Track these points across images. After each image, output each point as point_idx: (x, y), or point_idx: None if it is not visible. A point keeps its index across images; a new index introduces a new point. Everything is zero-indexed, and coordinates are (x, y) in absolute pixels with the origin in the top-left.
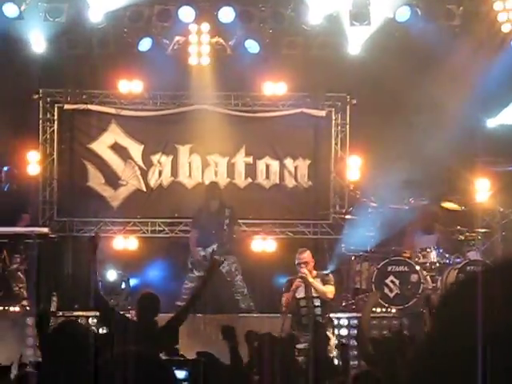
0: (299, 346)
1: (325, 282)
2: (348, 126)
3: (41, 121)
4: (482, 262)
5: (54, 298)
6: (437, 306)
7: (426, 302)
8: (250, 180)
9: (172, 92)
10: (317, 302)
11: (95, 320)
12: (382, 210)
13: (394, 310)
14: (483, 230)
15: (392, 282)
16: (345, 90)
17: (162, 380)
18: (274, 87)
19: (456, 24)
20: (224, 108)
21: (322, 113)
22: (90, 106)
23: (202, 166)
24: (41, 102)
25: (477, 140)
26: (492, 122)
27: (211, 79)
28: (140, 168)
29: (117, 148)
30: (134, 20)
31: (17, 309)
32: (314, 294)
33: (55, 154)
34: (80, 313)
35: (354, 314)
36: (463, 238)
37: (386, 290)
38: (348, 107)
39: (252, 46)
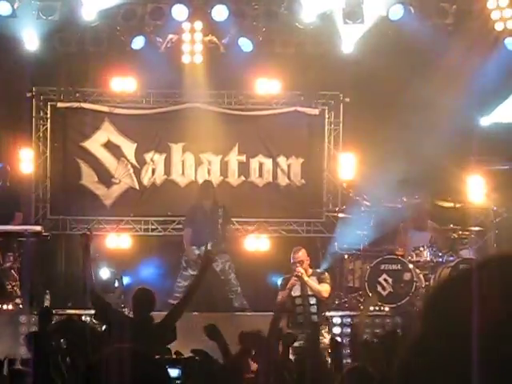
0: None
1: (320, 281)
2: (341, 125)
3: (34, 119)
4: (475, 260)
5: (47, 296)
6: (425, 304)
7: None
8: (243, 178)
9: (165, 90)
10: (312, 301)
11: (88, 318)
12: (375, 208)
13: (387, 309)
14: (476, 229)
15: (385, 280)
16: (338, 88)
17: (154, 378)
18: (267, 85)
19: (449, 22)
20: (217, 106)
21: (316, 111)
22: (83, 104)
23: (195, 165)
24: (34, 100)
25: (471, 138)
26: (486, 121)
27: (204, 77)
28: (133, 166)
29: (110, 146)
30: (127, 18)
31: (10, 307)
32: (310, 293)
33: (48, 152)
34: (73, 311)
35: (347, 313)
36: (456, 236)
37: (379, 289)
38: (341, 105)
39: (245, 44)
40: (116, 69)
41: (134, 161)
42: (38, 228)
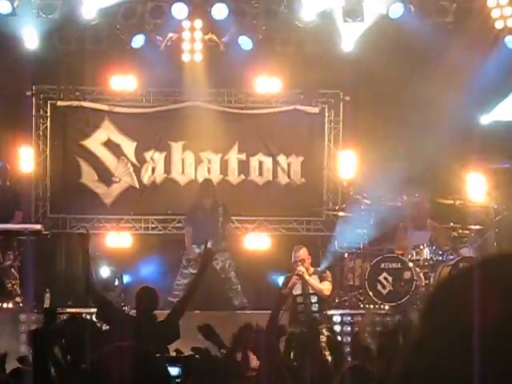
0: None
1: (322, 279)
2: (341, 123)
3: (34, 117)
4: (475, 258)
5: (48, 295)
6: (425, 304)
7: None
8: (243, 177)
9: (165, 89)
10: (313, 299)
11: (88, 316)
12: (375, 206)
13: (386, 307)
14: (477, 227)
15: (385, 278)
16: (338, 86)
17: (155, 376)
18: (267, 84)
19: (449, 21)
20: (217, 105)
21: (316, 109)
22: (83, 103)
23: (194, 163)
24: (34, 98)
25: (471, 136)
26: (486, 119)
27: (204, 76)
28: (133, 165)
29: (110, 145)
30: (126, 17)
31: (10, 305)
32: (311, 291)
33: (48, 150)
34: (73, 309)
35: (348, 311)
36: (456, 234)
37: (379, 287)
38: (341, 104)
39: (245, 42)
40: (116, 67)
41: (134, 159)
42: (38, 227)
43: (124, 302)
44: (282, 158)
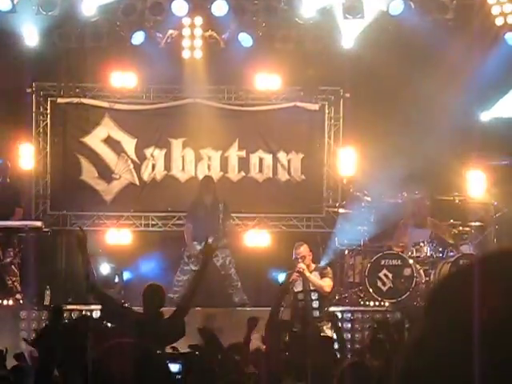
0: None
1: (323, 276)
2: (341, 120)
3: (34, 114)
4: (475, 255)
5: (48, 292)
6: (426, 302)
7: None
8: (243, 174)
9: (165, 86)
10: (314, 296)
11: (88, 313)
12: (375, 203)
13: (387, 304)
14: (477, 224)
15: (385, 275)
16: (338, 83)
17: (155, 372)
18: (267, 81)
19: (449, 17)
20: (217, 102)
21: (316, 106)
22: (83, 100)
23: (195, 160)
24: (34, 95)
25: (471, 133)
26: (486, 116)
27: (204, 73)
28: (133, 162)
29: (110, 142)
30: (126, 13)
31: (10, 302)
32: (312, 288)
33: (48, 147)
34: (74, 306)
35: (348, 308)
36: (457, 231)
37: (379, 284)
38: (341, 101)
39: (245, 39)
40: (116, 64)
41: (134, 156)
42: (39, 223)
43: (124, 298)
44: (282, 155)
